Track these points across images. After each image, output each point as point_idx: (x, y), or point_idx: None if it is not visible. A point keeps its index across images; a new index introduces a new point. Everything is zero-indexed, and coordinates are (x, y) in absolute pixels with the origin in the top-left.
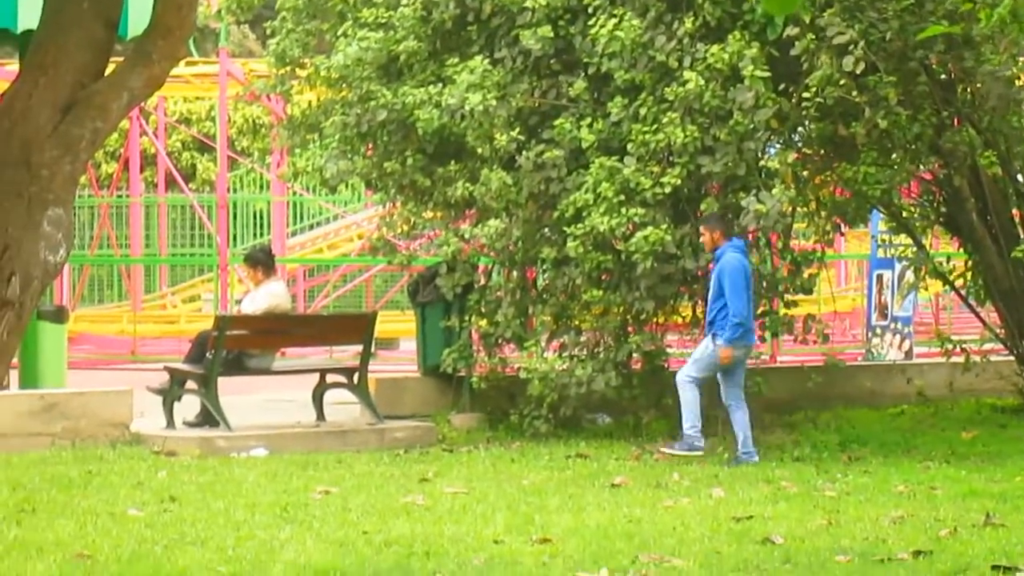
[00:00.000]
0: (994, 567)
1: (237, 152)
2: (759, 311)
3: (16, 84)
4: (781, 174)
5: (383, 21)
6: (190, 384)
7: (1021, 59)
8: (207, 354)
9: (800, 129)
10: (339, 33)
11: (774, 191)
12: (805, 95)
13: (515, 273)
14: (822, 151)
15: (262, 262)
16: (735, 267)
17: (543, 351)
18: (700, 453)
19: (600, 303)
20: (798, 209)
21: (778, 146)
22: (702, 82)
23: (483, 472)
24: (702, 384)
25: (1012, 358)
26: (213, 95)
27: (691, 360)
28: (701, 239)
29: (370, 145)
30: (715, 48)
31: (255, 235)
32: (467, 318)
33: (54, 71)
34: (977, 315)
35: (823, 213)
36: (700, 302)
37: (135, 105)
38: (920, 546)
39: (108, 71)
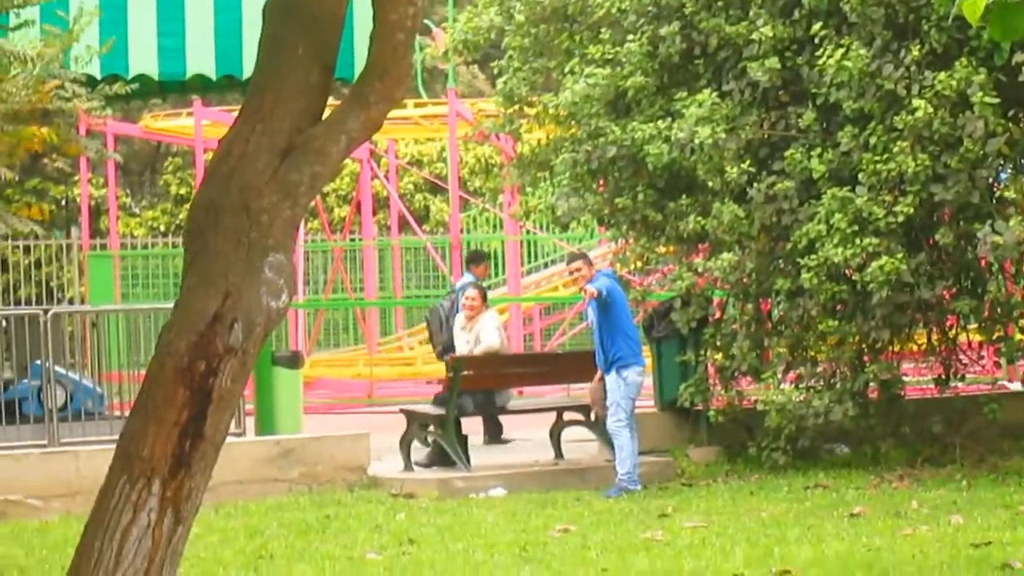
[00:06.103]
0: None
1: (469, 192)
2: (995, 336)
3: (234, 130)
4: (1019, 204)
5: (610, 57)
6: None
7: None
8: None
9: None
10: (566, 70)
11: (1011, 223)
12: None
13: (749, 305)
14: None
15: (485, 294)
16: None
17: (780, 383)
18: (637, 489)
19: (835, 333)
20: None
21: (1009, 171)
22: (931, 110)
23: (722, 506)
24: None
25: None
26: (443, 136)
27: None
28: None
29: (601, 181)
30: (942, 75)
31: (490, 275)
32: (703, 352)
33: (271, 117)
34: None
35: None
36: (935, 330)
37: (353, 148)
38: None
39: (325, 114)
